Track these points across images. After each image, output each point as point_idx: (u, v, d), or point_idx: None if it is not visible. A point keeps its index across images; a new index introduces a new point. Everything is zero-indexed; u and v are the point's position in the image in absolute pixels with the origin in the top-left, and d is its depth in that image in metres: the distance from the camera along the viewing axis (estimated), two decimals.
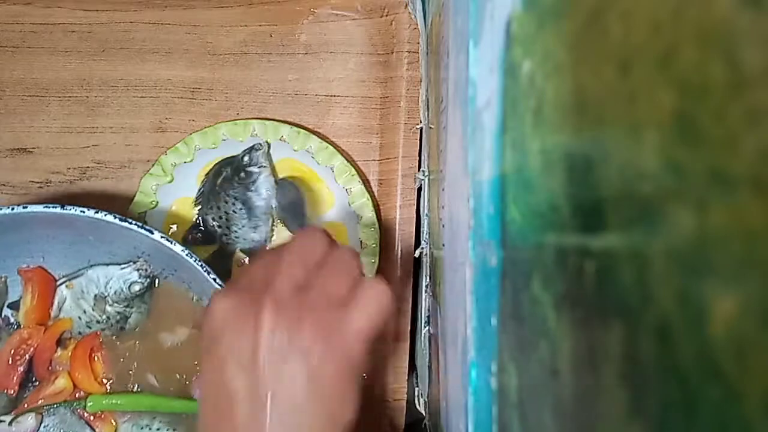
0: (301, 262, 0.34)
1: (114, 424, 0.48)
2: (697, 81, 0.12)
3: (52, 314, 0.49)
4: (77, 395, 0.48)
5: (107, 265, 0.48)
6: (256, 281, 0.33)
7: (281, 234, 0.52)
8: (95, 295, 0.48)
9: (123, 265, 0.48)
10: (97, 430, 0.48)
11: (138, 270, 0.48)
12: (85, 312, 0.49)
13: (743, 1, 0.11)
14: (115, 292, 0.48)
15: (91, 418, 0.48)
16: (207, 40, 0.52)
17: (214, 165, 0.51)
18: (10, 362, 0.48)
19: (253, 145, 0.50)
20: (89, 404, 0.47)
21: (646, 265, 0.15)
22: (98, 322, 0.49)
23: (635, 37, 0.15)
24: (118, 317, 0.49)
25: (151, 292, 0.49)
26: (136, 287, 0.48)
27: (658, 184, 0.14)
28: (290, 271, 0.33)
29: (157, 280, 0.49)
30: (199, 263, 0.44)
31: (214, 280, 0.44)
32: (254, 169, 0.50)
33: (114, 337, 0.48)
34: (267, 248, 0.41)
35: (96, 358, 0.48)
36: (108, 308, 0.48)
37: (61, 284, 0.49)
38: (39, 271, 0.49)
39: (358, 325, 0.32)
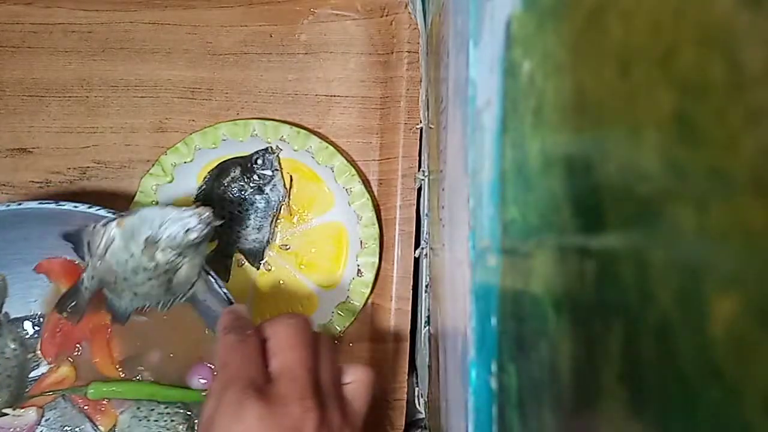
0: (310, 348, 0.38)
1: (114, 416, 0.48)
2: (698, 81, 0.12)
3: (99, 253, 0.45)
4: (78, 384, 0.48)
5: (164, 206, 0.45)
6: (291, 377, 0.37)
7: (286, 231, 0.52)
8: (147, 238, 0.43)
9: (184, 208, 0.44)
10: (97, 422, 0.48)
11: (199, 216, 0.43)
12: (132, 255, 0.44)
13: (743, 1, 0.11)
14: (168, 236, 0.43)
15: (92, 411, 0.48)
16: (207, 40, 0.52)
17: (217, 165, 0.51)
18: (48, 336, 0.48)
19: (266, 149, 0.50)
20: (90, 391, 0.47)
21: (646, 265, 0.15)
22: (145, 269, 0.44)
23: (635, 37, 0.15)
24: (166, 267, 0.44)
25: (205, 247, 0.45)
26: (193, 234, 0.43)
27: (658, 184, 0.14)
28: (306, 360, 0.37)
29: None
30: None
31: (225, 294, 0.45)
32: (268, 172, 0.50)
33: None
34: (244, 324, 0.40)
35: (112, 342, 0.48)
36: (158, 254, 0.44)
37: (112, 221, 0.44)
38: (55, 261, 0.48)
39: (361, 413, 0.39)
